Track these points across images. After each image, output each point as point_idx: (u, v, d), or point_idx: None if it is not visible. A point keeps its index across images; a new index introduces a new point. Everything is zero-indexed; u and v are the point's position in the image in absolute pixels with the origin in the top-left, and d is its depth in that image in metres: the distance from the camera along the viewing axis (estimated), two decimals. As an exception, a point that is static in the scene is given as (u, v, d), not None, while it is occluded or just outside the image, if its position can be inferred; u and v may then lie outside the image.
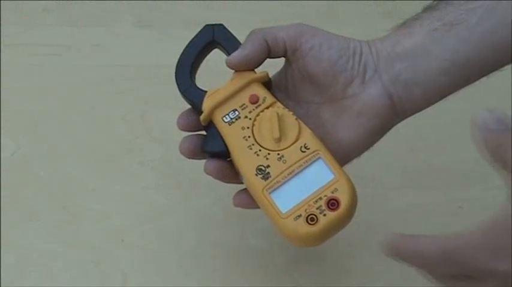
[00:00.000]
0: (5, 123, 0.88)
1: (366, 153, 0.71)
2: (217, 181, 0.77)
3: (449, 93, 0.69)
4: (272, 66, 0.71)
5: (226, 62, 0.70)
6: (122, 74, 0.93)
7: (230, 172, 0.70)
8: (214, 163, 0.70)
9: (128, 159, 0.86)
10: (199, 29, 0.73)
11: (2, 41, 0.95)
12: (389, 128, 0.70)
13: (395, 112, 0.69)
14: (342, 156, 0.69)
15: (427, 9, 0.69)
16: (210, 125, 0.71)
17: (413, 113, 0.70)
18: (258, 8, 1.01)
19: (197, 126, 0.71)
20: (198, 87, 0.72)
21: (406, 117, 0.70)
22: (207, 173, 0.71)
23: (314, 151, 0.68)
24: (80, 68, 0.94)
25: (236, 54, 0.70)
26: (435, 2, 0.69)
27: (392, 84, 0.68)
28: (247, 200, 0.70)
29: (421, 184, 0.85)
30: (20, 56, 0.95)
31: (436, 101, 0.69)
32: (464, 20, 0.67)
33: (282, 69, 0.72)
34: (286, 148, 0.69)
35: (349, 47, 0.69)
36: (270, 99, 0.70)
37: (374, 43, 0.69)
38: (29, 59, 0.94)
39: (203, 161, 0.72)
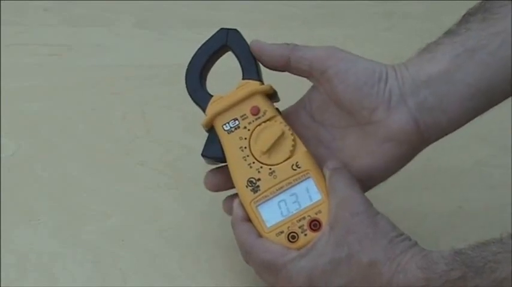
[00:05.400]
0: (5, 123, 0.88)
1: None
2: (216, 181, 0.77)
3: (475, 117, 0.69)
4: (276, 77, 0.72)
5: (251, 42, 0.71)
6: (121, 74, 0.93)
7: (226, 186, 0.73)
8: (212, 180, 0.73)
9: (128, 159, 0.86)
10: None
11: (2, 41, 0.95)
12: (415, 154, 0.70)
13: (421, 138, 0.69)
14: (366, 181, 0.70)
15: (448, 33, 0.69)
16: (211, 130, 0.72)
17: (438, 138, 0.70)
18: (258, 8, 1.01)
19: (225, 186, 0.73)
20: (205, 91, 0.72)
21: (431, 142, 0.70)
22: (206, 188, 0.74)
23: (305, 171, 0.69)
24: (80, 68, 0.94)
25: (260, 44, 0.71)
26: (455, 26, 0.69)
27: (418, 111, 0.68)
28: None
29: (421, 183, 0.85)
30: (20, 56, 0.95)
31: (462, 125, 0.70)
32: (486, 45, 0.67)
33: (309, 91, 0.73)
34: (279, 163, 0.70)
35: (375, 72, 0.69)
36: (270, 112, 0.71)
37: (400, 69, 0.69)
38: (29, 59, 0.94)
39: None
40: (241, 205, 0.70)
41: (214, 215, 0.82)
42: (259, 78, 0.71)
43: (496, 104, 0.69)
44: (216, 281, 0.77)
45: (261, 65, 0.72)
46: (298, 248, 0.68)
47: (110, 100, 0.91)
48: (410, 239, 0.66)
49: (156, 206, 0.82)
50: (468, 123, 0.71)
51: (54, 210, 0.81)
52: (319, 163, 0.70)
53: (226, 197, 0.73)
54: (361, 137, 0.70)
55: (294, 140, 0.70)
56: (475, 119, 0.78)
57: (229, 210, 0.72)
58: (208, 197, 0.82)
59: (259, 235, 0.69)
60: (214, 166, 0.74)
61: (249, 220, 0.70)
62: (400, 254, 0.64)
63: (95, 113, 0.90)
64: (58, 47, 0.96)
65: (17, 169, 0.84)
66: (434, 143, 0.83)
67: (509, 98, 0.86)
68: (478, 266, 0.61)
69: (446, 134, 0.70)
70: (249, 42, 0.72)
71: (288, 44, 0.71)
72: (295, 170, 0.69)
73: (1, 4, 0.98)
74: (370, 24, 1.00)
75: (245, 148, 0.70)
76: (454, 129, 0.70)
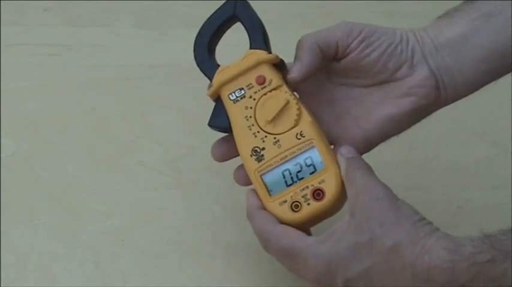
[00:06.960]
0: (5, 123, 0.88)
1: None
2: (216, 181, 0.77)
3: (490, 81, 0.71)
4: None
5: (289, 79, 0.71)
6: (121, 74, 0.93)
7: (232, 154, 0.72)
8: (218, 150, 0.73)
9: (128, 159, 0.86)
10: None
11: (2, 41, 0.95)
12: (430, 113, 0.72)
13: (438, 96, 0.71)
14: (378, 135, 0.71)
15: (466, 1, 0.72)
16: (218, 100, 0.72)
17: (454, 100, 0.72)
18: (258, 8, 1.00)
19: (230, 154, 0.72)
20: (213, 61, 0.72)
21: (447, 103, 0.72)
22: (214, 159, 0.73)
23: (309, 140, 0.69)
24: (80, 68, 0.94)
25: (296, 70, 0.71)
26: None
27: (437, 69, 0.70)
28: (245, 176, 0.71)
29: (421, 183, 0.85)
30: (20, 56, 0.95)
31: (477, 89, 0.71)
32: (502, 11, 0.69)
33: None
34: (283, 132, 0.70)
35: (396, 34, 0.71)
36: (276, 81, 0.71)
37: (418, 31, 0.72)
38: (29, 59, 0.94)
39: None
40: (255, 192, 0.70)
41: (214, 215, 0.82)
42: (266, 48, 0.71)
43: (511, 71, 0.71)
44: (216, 281, 0.77)
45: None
46: (301, 218, 0.68)
47: (110, 100, 0.91)
48: (432, 224, 0.65)
49: (156, 206, 0.82)
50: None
51: (54, 210, 0.81)
52: (332, 120, 0.72)
53: (238, 167, 0.73)
54: (378, 94, 0.71)
55: (298, 109, 0.70)
56: (475, 118, 0.78)
57: (239, 179, 0.72)
58: (209, 197, 0.83)
59: (264, 203, 0.69)
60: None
61: (264, 207, 0.70)
62: (424, 236, 0.64)
63: (95, 113, 0.90)
64: (58, 47, 0.96)
65: (17, 169, 0.84)
66: (434, 143, 0.83)
67: (509, 98, 0.86)
68: (508, 250, 0.60)
69: (462, 97, 0.72)
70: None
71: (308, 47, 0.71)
72: (299, 139, 0.69)
73: (1, 4, 0.98)
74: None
75: (250, 117, 0.70)
76: (470, 92, 0.71)
